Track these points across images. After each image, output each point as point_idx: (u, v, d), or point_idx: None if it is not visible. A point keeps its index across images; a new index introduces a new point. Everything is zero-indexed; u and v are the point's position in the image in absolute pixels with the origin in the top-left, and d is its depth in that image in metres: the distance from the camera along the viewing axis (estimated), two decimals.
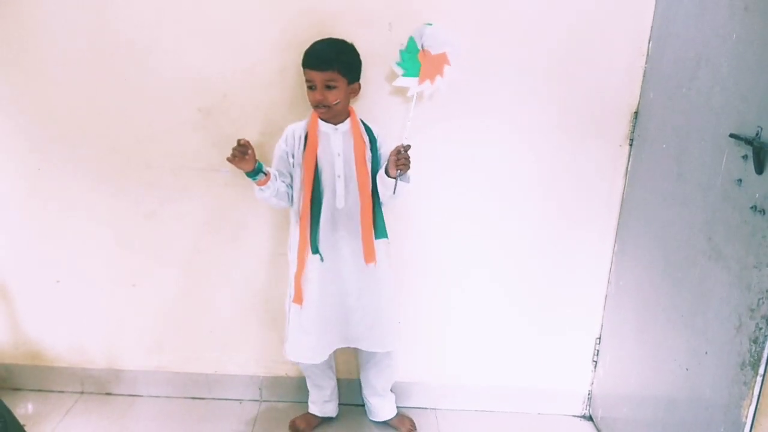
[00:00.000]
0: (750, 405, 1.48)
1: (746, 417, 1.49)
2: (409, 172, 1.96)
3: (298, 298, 2.04)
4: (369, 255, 2.02)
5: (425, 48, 1.96)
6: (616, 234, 2.28)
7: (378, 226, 2.04)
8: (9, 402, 1.94)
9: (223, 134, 2.17)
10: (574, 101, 2.14)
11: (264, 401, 2.50)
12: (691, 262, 1.74)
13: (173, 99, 2.14)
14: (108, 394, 2.50)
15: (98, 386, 2.50)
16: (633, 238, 2.15)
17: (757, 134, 1.46)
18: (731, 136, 1.54)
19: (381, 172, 1.99)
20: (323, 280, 2.03)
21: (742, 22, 1.55)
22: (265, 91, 2.13)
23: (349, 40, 1.94)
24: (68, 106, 2.17)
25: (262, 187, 1.93)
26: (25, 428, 1.99)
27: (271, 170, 1.96)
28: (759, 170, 1.45)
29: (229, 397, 2.50)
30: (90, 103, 2.16)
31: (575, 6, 2.05)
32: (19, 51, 2.11)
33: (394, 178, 1.94)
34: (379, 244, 2.06)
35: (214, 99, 2.14)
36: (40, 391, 2.50)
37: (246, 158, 1.83)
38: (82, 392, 2.50)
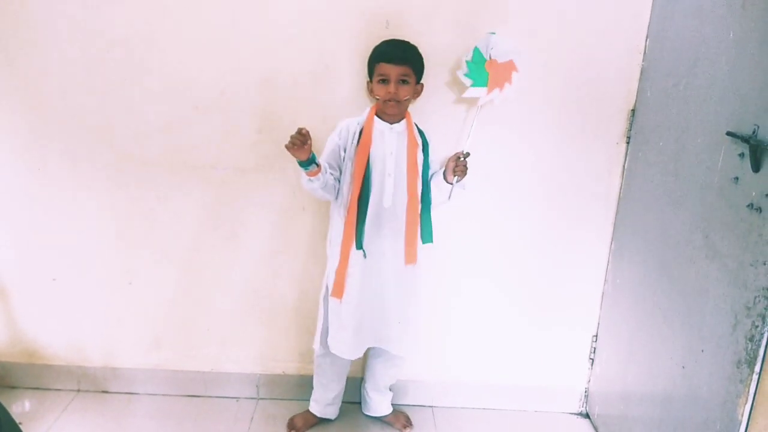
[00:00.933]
0: (746, 403, 1.49)
1: (742, 414, 1.49)
2: (465, 179, 2.00)
3: (338, 292, 2.03)
4: (410, 256, 2.04)
5: (492, 57, 1.98)
6: (613, 232, 2.28)
7: (425, 231, 2.07)
8: (5, 400, 1.93)
9: (221, 132, 2.17)
10: (571, 99, 2.14)
11: (261, 399, 2.49)
12: (687, 260, 1.75)
13: (170, 96, 2.14)
14: (105, 392, 2.50)
15: (95, 384, 2.49)
16: (630, 236, 2.16)
17: (753, 132, 1.46)
18: (728, 134, 1.54)
19: (438, 178, 2.03)
20: (364, 277, 2.03)
21: (739, 20, 1.56)
22: (262, 89, 2.12)
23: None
24: (65, 104, 2.16)
25: (312, 177, 1.91)
26: (22, 426, 1.98)
27: (323, 162, 1.95)
28: (755, 168, 1.45)
29: (227, 395, 2.49)
30: (87, 100, 2.15)
31: (572, 4, 2.05)
32: (17, 49, 2.10)
33: (451, 183, 1.99)
34: (422, 248, 2.08)
35: (210, 96, 2.14)
36: (36, 389, 2.49)
37: (304, 147, 1.81)
38: (78, 390, 2.50)
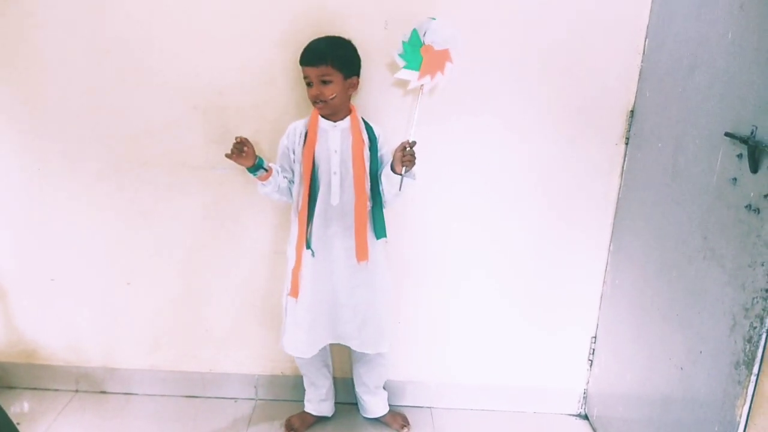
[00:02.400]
0: (744, 404, 1.48)
1: (740, 416, 1.49)
2: (414, 169, 1.97)
3: (294, 292, 2.06)
4: (361, 253, 2.02)
5: (428, 43, 1.96)
6: (612, 233, 2.28)
7: (378, 226, 2.06)
8: (3, 400, 1.94)
9: (219, 132, 2.17)
10: (570, 100, 2.14)
11: (259, 400, 2.49)
12: (686, 261, 1.74)
13: (169, 97, 2.14)
14: (103, 392, 2.49)
15: (93, 384, 2.49)
16: (628, 237, 2.16)
17: (752, 133, 1.46)
18: (726, 135, 1.54)
19: (386, 170, 2.00)
20: (315, 276, 2.04)
21: (737, 21, 1.56)
22: (261, 89, 2.13)
23: (349, 37, 1.95)
24: (64, 105, 2.16)
25: (264, 182, 1.97)
26: (20, 427, 1.98)
27: (274, 166, 1.99)
28: (754, 169, 1.45)
29: (225, 396, 2.49)
30: (86, 101, 2.15)
31: (572, 5, 2.05)
32: (15, 49, 2.11)
33: (400, 174, 1.96)
34: (377, 243, 2.07)
35: (209, 97, 2.14)
36: (34, 389, 2.49)
37: (244, 155, 1.87)
38: (77, 390, 2.50)
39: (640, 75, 2.11)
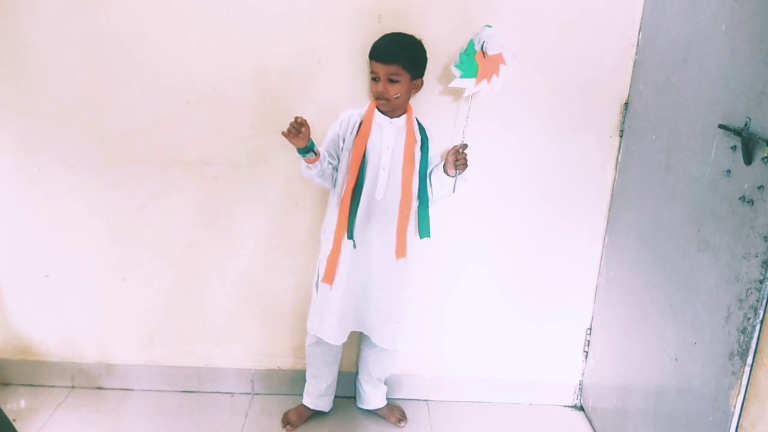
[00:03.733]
0: (738, 394, 1.49)
1: (734, 406, 1.50)
2: (466, 171, 2.00)
3: (330, 278, 2.05)
4: (401, 250, 2.04)
5: (483, 49, 1.97)
6: (607, 225, 2.28)
7: (423, 226, 2.09)
8: None
9: (213, 127, 2.16)
10: (564, 93, 2.14)
11: (256, 394, 2.49)
12: (680, 253, 1.75)
13: (162, 92, 2.13)
14: (99, 388, 2.49)
15: (89, 380, 2.49)
16: (623, 230, 2.16)
17: (745, 125, 1.47)
18: (720, 127, 1.55)
19: (439, 172, 2.04)
20: (352, 266, 2.05)
21: (731, 12, 1.56)
22: (254, 85, 2.12)
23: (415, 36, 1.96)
24: (57, 101, 2.15)
25: (310, 165, 1.95)
26: (16, 423, 1.98)
27: (321, 150, 1.98)
28: (747, 161, 1.46)
29: (221, 390, 2.49)
30: (79, 97, 2.14)
31: None
32: (7, 46, 2.09)
33: (454, 177, 1.99)
34: (414, 242, 2.09)
35: (203, 92, 2.13)
36: (30, 385, 2.48)
37: (300, 135, 1.85)
38: (72, 387, 2.49)
39: (634, 67, 2.11)
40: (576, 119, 2.17)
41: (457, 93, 2.10)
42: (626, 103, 2.15)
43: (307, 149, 1.90)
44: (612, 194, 2.25)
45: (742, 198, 1.48)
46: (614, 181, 2.23)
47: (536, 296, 2.39)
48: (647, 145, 1.99)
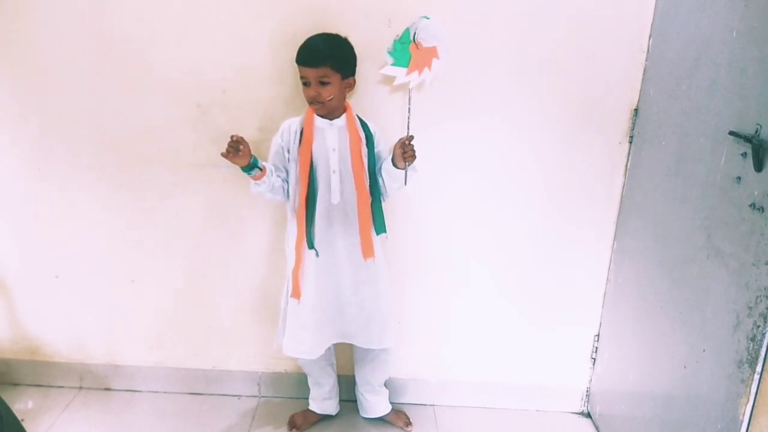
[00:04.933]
0: (747, 403, 1.48)
1: (743, 414, 1.49)
2: (415, 162, 1.98)
3: (296, 293, 2.04)
4: (367, 250, 2.02)
5: (417, 40, 1.96)
6: (616, 231, 2.28)
7: (378, 222, 2.05)
8: (7, 397, 1.94)
9: (222, 130, 2.16)
10: (573, 98, 2.14)
11: (262, 397, 2.50)
12: (689, 260, 1.74)
13: (172, 95, 2.14)
14: (107, 389, 2.50)
15: (97, 381, 2.50)
16: (632, 236, 2.15)
17: (756, 132, 1.46)
18: (730, 133, 1.54)
19: (387, 165, 2.01)
20: (319, 275, 2.04)
21: (742, 18, 1.55)
22: (264, 87, 2.13)
23: (347, 35, 1.94)
24: (67, 102, 2.16)
25: (257, 181, 1.95)
26: (24, 423, 1.99)
27: (267, 165, 1.97)
28: (758, 168, 1.45)
29: (228, 393, 2.50)
30: (88, 98, 2.16)
31: (575, 2, 2.05)
32: (18, 48, 2.11)
33: (403, 169, 1.97)
34: (377, 239, 2.07)
35: (212, 95, 2.14)
36: (39, 386, 2.50)
37: (240, 153, 1.84)
38: (80, 387, 2.50)
39: (644, 73, 2.10)
40: (585, 124, 2.17)
41: (404, 86, 2.06)
42: (636, 109, 2.14)
43: (251, 166, 1.88)
44: (621, 200, 2.24)
45: (753, 205, 1.47)
46: (623, 186, 2.23)
47: (543, 301, 2.38)
48: (657, 151, 1.99)
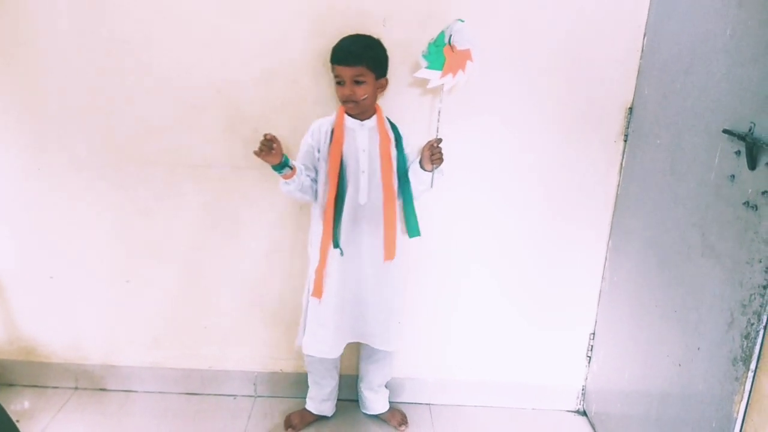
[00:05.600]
0: (741, 400, 1.49)
1: (738, 412, 1.50)
2: (443, 165, 2.00)
3: (318, 292, 2.04)
4: (389, 252, 2.03)
5: (452, 43, 1.97)
6: (611, 230, 2.28)
7: (411, 225, 2.07)
8: (3, 398, 1.95)
9: (218, 130, 2.17)
10: (569, 97, 2.14)
11: (258, 397, 2.50)
12: (684, 258, 1.75)
13: (167, 95, 2.14)
14: (102, 389, 2.50)
15: (93, 382, 2.49)
16: (627, 234, 2.16)
17: (750, 130, 1.46)
18: (724, 131, 1.55)
19: (415, 168, 2.02)
20: (343, 275, 2.04)
21: (735, 17, 1.56)
22: (260, 88, 2.12)
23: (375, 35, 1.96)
24: (63, 103, 2.16)
25: (287, 180, 1.95)
26: (19, 424, 1.99)
27: (297, 164, 1.97)
28: (752, 166, 1.45)
29: (224, 393, 2.50)
30: (85, 99, 2.15)
31: (571, 3, 2.05)
32: (15, 48, 2.10)
33: (431, 171, 1.99)
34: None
35: (208, 95, 2.13)
36: (34, 386, 2.49)
37: (272, 152, 1.85)
38: (76, 388, 2.50)
39: (638, 72, 2.11)
40: (581, 123, 2.17)
41: (433, 89, 2.07)
42: (631, 108, 2.15)
43: (282, 165, 1.89)
44: (616, 198, 2.25)
45: (747, 203, 1.47)
46: (618, 185, 2.23)
47: (539, 300, 2.39)
48: (651, 149, 1.99)
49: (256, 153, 1.84)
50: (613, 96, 2.14)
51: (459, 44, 1.96)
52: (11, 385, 2.49)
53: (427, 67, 2.00)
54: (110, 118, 2.17)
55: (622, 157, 2.20)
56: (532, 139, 2.19)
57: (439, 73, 1.99)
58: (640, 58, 2.09)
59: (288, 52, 2.08)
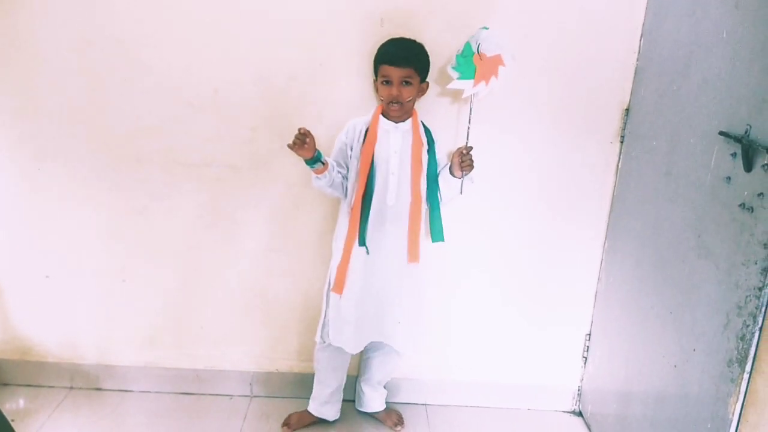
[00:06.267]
0: (737, 401, 1.49)
1: (733, 413, 1.50)
2: (472, 172, 2.01)
3: (338, 288, 2.05)
4: (413, 254, 2.04)
5: (481, 51, 1.97)
6: (607, 231, 2.29)
7: (435, 229, 2.09)
8: None
9: (214, 129, 2.16)
10: (565, 98, 2.15)
11: (254, 397, 2.49)
12: (680, 260, 1.75)
13: (164, 94, 2.13)
14: (98, 389, 2.49)
15: (88, 381, 2.49)
16: (623, 235, 2.16)
17: (746, 132, 1.47)
18: (721, 133, 1.55)
19: (445, 174, 2.04)
20: (366, 273, 2.05)
21: (732, 19, 1.56)
22: (256, 86, 2.12)
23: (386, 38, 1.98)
24: (59, 102, 2.15)
25: (319, 175, 1.97)
26: (14, 424, 1.98)
27: (330, 160, 1.99)
28: (747, 168, 1.46)
29: (220, 393, 2.49)
30: (81, 98, 2.14)
31: (568, 4, 2.05)
32: (10, 47, 2.09)
33: (460, 178, 2.00)
34: (427, 246, 2.09)
35: (205, 94, 2.13)
36: (29, 386, 2.48)
37: (305, 146, 1.86)
38: (71, 387, 2.49)
39: (635, 73, 2.11)
40: (577, 124, 2.18)
41: (456, 94, 2.09)
42: (627, 109, 2.15)
43: (315, 159, 1.91)
44: (612, 200, 2.25)
45: (742, 205, 1.48)
46: (615, 186, 2.24)
47: (536, 301, 2.39)
48: (648, 150, 2.00)
49: (289, 146, 1.86)
50: (610, 97, 2.15)
51: (488, 51, 1.97)
52: (6, 384, 2.48)
53: (458, 78, 2.00)
54: (107, 117, 2.17)
55: (619, 158, 2.21)
56: (528, 140, 2.20)
57: (471, 82, 1.99)
58: (637, 60, 2.10)
59: (285, 52, 2.08)
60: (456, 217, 2.26)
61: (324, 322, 2.15)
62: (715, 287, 1.58)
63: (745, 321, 1.46)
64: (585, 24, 2.07)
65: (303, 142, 1.86)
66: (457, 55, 2.00)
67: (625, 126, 2.16)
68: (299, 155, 1.89)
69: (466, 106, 2.07)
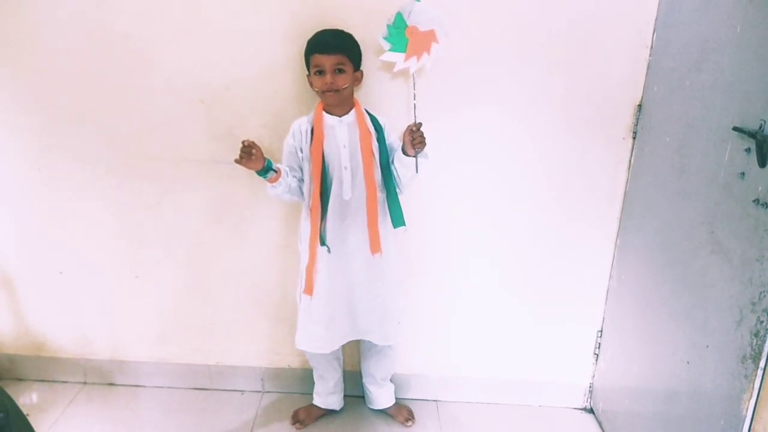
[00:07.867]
0: (750, 398, 1.48)
1: (747, 410, 1.49)
2: (426, 148, 1.97)
3: (309, 289, 2.05)
4: (375, 245, 2.02)
5: (413, 24, 1.94)
6: (619, 227, 2.27)
7: (395, 215, 2.05)
8: (12, 392, 1.95)
9: (225, 126, 2.17)
10: (577, 93, 2.13)
11: (266, 392, 2.51)
12: (693, 256, 1.74)
13: (175, 91, 2.14)
14: (111, 384, 2.51)
15: (101, 377, 2.51)
16: (635, 231, 2.15)
17: (760, 127, 1.45)
18: (734, 129, 1.54)
19: (398, 155, 2.00)
20: (332, 272, 2.04)
21: (746, 14, 1.55)
22: (268, 83, 2.12)
23: (351, 30, 1.95)
24: (69, 99, 2.17)
25: (274, 184, 1.96)
26: (29, 418, 1.99)
27: (282, 167, 1.98)
28: (762, 163, 1.44)
29: (232, 388, 2.51)
30: (92, 95, 2.16)
31: None
32: (19, 45, 2.11)
33: (414, 156, 1.96)
34: (389, 234, 2.07)
35: (216, 91, 2.14)
36: (43, 381, 2.51)
37: (252, 158, 1.85)
38: (85, 383, 2.51)
39: (647, 69, 2.10)
40: (589, 120, 2.16)
41: (404, 74, 2.05)
42: (639, 105, 2.14)
43: (266, 169, 1.90)
44: (624, 196, 2.24)
45: (756, 200, 1.46)
46: (627, 182, 2.22)
47: (547, 297, 2.38)
48: (660, 146, 1.98)
49: (236, 161, 1.86)
50: (622, 92, 2.13)
51: (421, 25, 1.93)
52: (21, 379, 2.51)
53: (389, 50, 1.97)
54: (117, 114, 2.18)
55: (631, 155, 2.19)
56: (538, 135, 2.19)
57: (402, 55, 1.97)
58: (650, 55, 2.08)
59: (293, 48, 2.08)
60: (464, 212, 2.27)
61: (298, 326, 2.16)
62: (729, 283, 1.57)
63: (759, 317, 1.45)
64: (597, 18, 2.06)
65: (249, 154, 1.84)
66: (387, 25, 1.96)
67: (637, 122, 2.15)
68: (248, 168, 1.88)
69: (417, 83, 2.02)
